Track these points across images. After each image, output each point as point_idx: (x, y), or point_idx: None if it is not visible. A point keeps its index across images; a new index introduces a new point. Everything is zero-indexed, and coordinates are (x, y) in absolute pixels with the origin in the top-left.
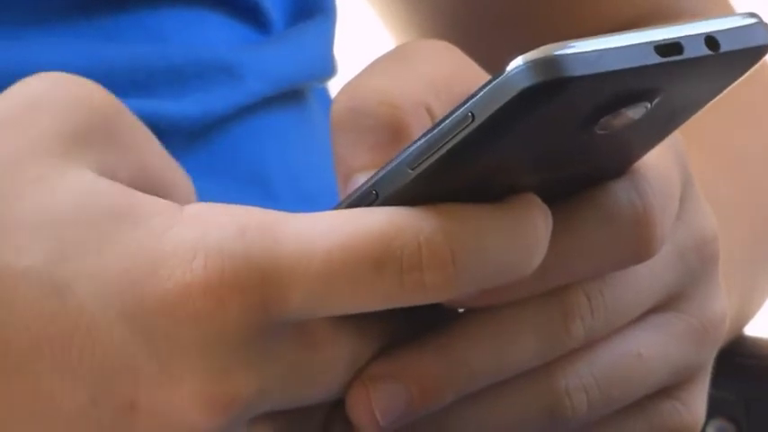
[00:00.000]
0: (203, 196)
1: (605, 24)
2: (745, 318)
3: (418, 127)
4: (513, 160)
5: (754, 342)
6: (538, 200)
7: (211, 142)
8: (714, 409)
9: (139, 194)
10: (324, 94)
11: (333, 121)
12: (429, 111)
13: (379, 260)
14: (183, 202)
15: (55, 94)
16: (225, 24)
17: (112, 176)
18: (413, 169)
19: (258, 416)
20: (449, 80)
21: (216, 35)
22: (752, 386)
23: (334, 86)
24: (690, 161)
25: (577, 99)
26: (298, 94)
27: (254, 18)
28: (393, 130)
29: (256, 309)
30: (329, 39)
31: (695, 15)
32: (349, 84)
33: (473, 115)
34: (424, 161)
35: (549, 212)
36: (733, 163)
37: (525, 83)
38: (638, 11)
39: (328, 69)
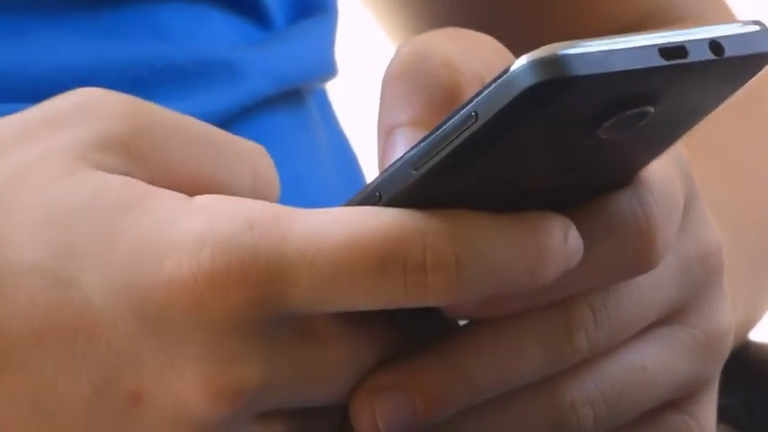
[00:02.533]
0: None
1: (606, 26)
2: (749, 325)
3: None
4: (516, 163)
5: (759, 347)
6: (556, 215)
7: None
8: (718, 415)
9: (148, 186)
10: (323, 95)
11: (390, 71)
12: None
13: (384, 260)
14: (248, 192)
15: (80, 106)
16: (226, 21)
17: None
18: (416, 170)
19: (269, 414)
20: (499, 64)
21: (218, 32)
22: (756, 391)
23: (334, 87)
24: (693, 169)
25: (580, 100)
26: (298, 94)
27: (256, 15)
28: (449, 92)
29: (261, 300)
30: (330, 38)
31: (695, 17)
32: (413, 40)
33: (476, 115)
34: (427, 161)
35: (569, 225)
36: (735, 169)
37: (529, 81)
38: (638, 13)
39: (329, 69)
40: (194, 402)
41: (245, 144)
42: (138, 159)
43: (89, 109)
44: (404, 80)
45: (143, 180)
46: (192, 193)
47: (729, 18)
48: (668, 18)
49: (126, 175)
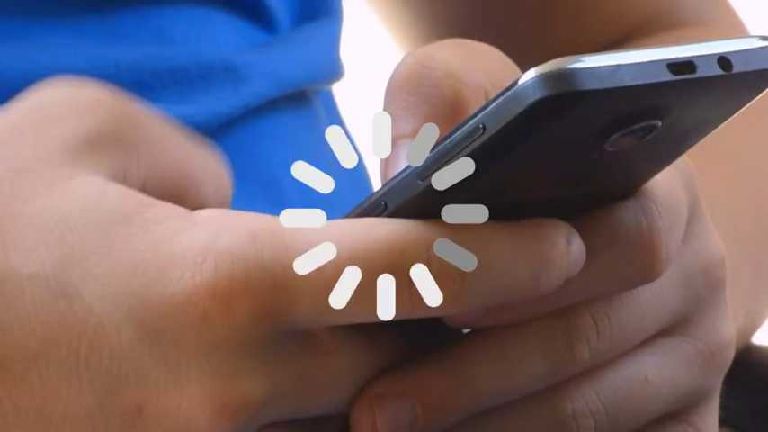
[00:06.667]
0: None
1: (607, 30)
2: (751, 330)
3: (476, 108)
4: (521, 175)
5: (760, 351)
6: (558, 222)
7: (217, 145)
8: (719, 417)
9: (149, 199)
10: (329, 97)
11: (392, 82)
12: (486, 97)
13: (389, 271)
14: (211, 195)
15: (66, 100)
16: (230, 24)
17: (124, 179)
18: (422, 180)
19: (270, 425)
20: (502, 75)
21: (221, 35)
22: (758, 394)
23: (341, 89)
24: (696, 176)
25: (588, 114)
26: (303, 96)
27: (260, 18)
28: (453, 103)
29: (265, 313)
30: (335, 41)
31: (697, 20)
32: (417, 52)
33: (484, 127)
34: (433, 172)
35: (572, 232)
36: (739, 175)
37: (537, 95)
38: (642, 15)
39: (334, 72)
40: (197, 416)
41: (204, 143)
42: (129, 149)
43: (76, 103)
44: (407, 91)
45: (135, 172)
46: (172, 186)
47: (734, 20)
48: (672, 20)
49: (119, 169)
